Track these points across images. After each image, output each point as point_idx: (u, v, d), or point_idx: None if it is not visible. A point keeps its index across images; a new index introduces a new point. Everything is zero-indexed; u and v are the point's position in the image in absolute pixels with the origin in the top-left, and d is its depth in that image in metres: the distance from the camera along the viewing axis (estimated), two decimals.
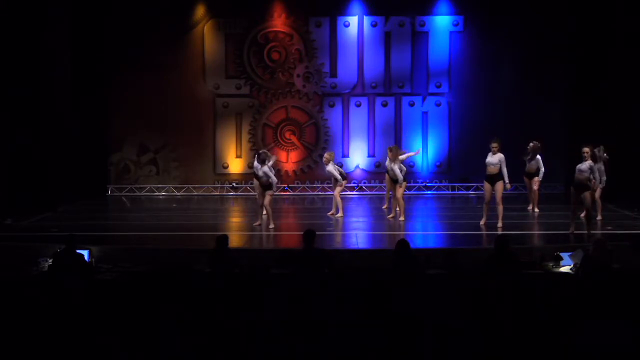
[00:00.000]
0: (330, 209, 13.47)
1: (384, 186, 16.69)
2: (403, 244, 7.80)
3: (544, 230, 12.00)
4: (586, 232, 10.69)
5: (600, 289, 7.02)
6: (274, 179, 12.02)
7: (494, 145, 11.70)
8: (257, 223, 12.22)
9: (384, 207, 14.00)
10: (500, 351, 5.47)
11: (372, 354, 5.47)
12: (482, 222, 11.90)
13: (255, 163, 12.50)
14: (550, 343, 5.52)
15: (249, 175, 16.99)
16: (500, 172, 11.64)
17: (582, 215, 11.00)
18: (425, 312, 6.10)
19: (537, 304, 6.53)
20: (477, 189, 16.87)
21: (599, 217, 12.12)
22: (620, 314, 6.12)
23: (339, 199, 13.19)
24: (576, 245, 9.77)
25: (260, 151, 12.94)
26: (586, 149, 10.78)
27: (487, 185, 11.81)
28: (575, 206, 11.00)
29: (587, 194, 10.72)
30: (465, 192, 17.01)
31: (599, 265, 7.75)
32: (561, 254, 9.39)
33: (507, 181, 11.63)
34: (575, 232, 10.94)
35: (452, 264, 9.20)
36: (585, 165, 10.75)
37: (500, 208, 11.66)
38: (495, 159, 11.66)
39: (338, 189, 13.22)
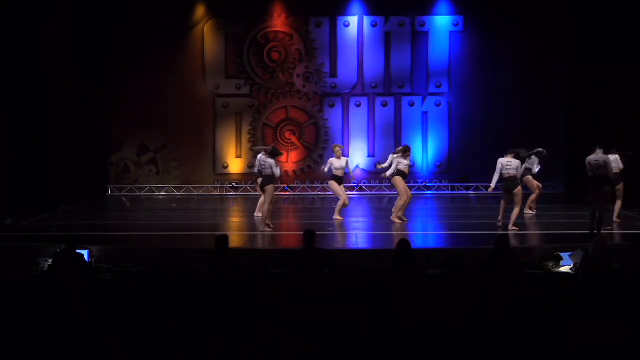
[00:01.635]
0: (333, 211, 12.97)
1: (384, 186, 16.77)
2: (404, 243, 7.80)
3: (544, 230, 11.99)
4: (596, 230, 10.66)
5: (600, 289, 7.02)
6: (276, 172, 11.54)
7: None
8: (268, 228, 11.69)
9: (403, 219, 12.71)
10: (500, 351, 5.46)
11: (372, 353, 5.47)
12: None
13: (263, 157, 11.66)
14: (550, 343, 5.52)
15: (249, 175, 17.02)
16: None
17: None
18: (425, 312, 6.10)
19: (537, 304, 6.53)
20: (477, 189, 16.88)
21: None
22: (620, 314, 6.12)
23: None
24: (576, 245, 9.76)
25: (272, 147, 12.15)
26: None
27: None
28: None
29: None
30: (465, 192, 17.01)
31: (599, 265, 7.76)
32: (561, 254, 9.39)
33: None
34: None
35: (452, 264, 9.20)
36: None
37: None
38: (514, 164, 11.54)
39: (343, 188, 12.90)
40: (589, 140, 11.15)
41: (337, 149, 12.76)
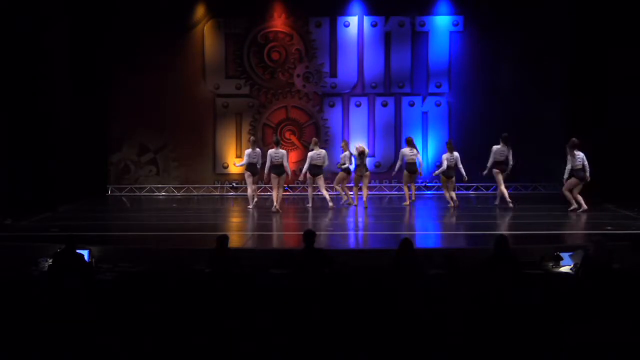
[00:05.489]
0: (333, 210, 13.59)
1: (384, 186, 16.80)
2: (407, 243, 7.80)
3: (544, 230, 12.00)
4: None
5: (600, 289, 7.02)
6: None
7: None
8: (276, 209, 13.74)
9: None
10: (500, 351, 5.46)
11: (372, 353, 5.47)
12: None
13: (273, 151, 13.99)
14: (550, 343, 5.52)
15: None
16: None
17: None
18: (425, 312, 6.10)
19: (537, 304, 6.53)
20: (477, 188, 16.90)
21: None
22: (620, 314, 6.11)
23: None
24: (576, 245, 9.76)
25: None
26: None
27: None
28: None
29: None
30: (465, 192, 17.00)
31: (599, 265, 7.76)
32: (561, 254, 9.39)
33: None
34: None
35: (452, 264, 9.19)
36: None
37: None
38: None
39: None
40: (588, 140, 11.18)
41: (344, 144, 14.93)
